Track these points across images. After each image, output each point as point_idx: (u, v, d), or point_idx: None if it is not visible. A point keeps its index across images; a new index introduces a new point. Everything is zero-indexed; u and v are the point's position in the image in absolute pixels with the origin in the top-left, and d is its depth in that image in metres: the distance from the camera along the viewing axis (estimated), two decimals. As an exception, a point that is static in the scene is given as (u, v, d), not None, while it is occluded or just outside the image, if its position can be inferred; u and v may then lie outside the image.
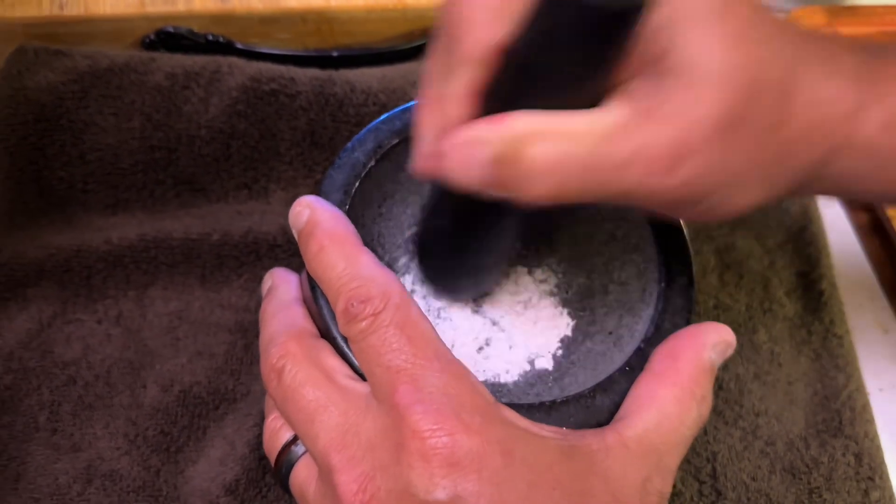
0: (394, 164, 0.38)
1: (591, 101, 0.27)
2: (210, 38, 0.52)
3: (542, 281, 0.40)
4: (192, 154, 0.48)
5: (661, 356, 0.31)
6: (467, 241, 0.34)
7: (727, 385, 0.45)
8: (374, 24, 0.55)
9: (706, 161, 0.26)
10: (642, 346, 0.33)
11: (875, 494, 0.42)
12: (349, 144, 0.37)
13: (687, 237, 0.36)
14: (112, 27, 0.52)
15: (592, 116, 0.26)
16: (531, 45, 0.26)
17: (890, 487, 0.43)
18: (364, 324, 0.29)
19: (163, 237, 0.46)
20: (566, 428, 0.31)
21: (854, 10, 0.60)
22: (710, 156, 0.26)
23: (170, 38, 0.52)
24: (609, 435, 0.29)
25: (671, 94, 0.25)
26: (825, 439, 0.44)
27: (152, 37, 0.52)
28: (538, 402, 0.31)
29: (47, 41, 0.49)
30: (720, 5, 0.26)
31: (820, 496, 0.42)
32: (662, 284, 0.35)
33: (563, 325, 0.39)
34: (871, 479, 0.43)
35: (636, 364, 0.32)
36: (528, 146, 0.26)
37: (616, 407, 0.31)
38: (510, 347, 0.38)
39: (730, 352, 0.32)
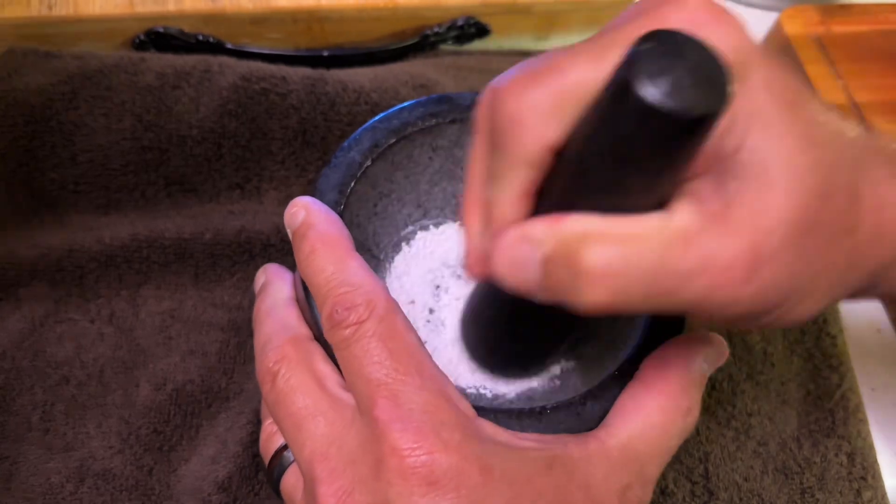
0: (390, 164, 0.38)
1: (655, 203, 0.25)
2: (200, 38, 0.52)
3: None
4: (183, 154, 0.48)
5: (650, 365, 0.31)
6: (515, 333, 0.33)
7: (720, 385, 0.45)
8: (365, 23, 0.55)
9: (781, 269, 0.24)
10: (635, 352, 0.33)
11: (867, 494, 0.42)
12: (345, 143, 0.36)
13: None
14: (101, 27, 0.52)
15: (656, 220, 0.24)
16: (590, 147, 0.24)
17: (882, 487, 0.43)
18: (347, 332, 0.29)
19: (155, 237, 0.46)
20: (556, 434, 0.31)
21: (848, 9, 0.59)
22: (785, 264, 0.24)
23: (160, 39, 0.52)
24: (591, 442, 0.29)
25: (742, 196, 0.24)
26: (818, 439, 0.44)
27: (142, 37, 0.52)
28: (528, 408, 0.31)
29: (36, 42, 0.49)
30: (786, 105, 0.24)
31: (812, 496, 0.42)
32: None
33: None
34: (863, 478, 0.43)
35: (627, 370, 0.32)
36: (585, 248, 0.24)
37: (605, 414, 0.31)
38: None
39: (721, 361, 0.31)
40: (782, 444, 0.43)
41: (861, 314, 0.50)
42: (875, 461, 0.44)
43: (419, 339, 0.30)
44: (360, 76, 0.50)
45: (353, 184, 0.36)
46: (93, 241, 0.45)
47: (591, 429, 0.31)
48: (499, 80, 0.26)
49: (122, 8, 0.51)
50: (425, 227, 0.41)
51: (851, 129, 0.27)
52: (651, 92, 0.20)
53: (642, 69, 0.20)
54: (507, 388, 0.37)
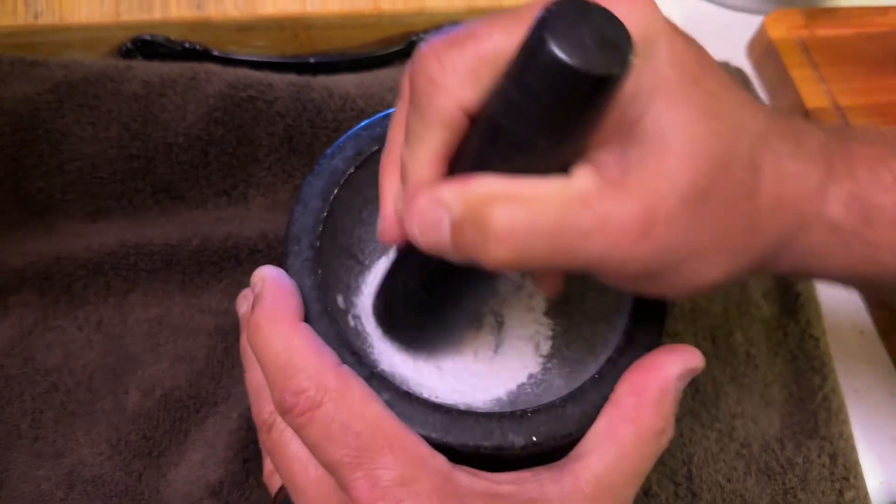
0: (374, 171, 0.37)
1: (560, 167, 0.26)
2: (187, 45, 0.52)
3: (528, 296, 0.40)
4: (170, 162, 0.48)
5: (624, 390, 0.31)
6: (434, 299, 0.34)
7: (703, 387, 0.46)
8: (350, 30, 0.55)
9: (673, 233, 0.26)
10: (614, 356, 0.33)
11: (849, 494, 0.43)
12: (328, 151, 0.37)
13: None
14: (87, 36, 0.52)
15: (559, 183, 0.26)
16: (503, 109, 0.25)
17: (864, 487, 0.43)
18: (301, 419, 0.28)
19: (143, 243, 0.46)
20: (535, 438, 0.31)
21: (832, 13, 0.60)
22: (677, 228, 0.26)
23: (146, 47, 0.52)
24: (566, 479, 0.29)
25: (639, 164, 0.25)
26: (801, 440, 0.44)
27: (129, 45, 0.52)
28: (510, 411, 0.32)
29: (22, 50, 0.49)
30: (690, 78, 0.26)
31: (795, 496, 0.43)
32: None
33: (544, 341, 0.39)
34: (845, 479, 0.43)
35: (607, 374, 0.32)
36: (491, 210, 0.25)
37: (585, 416, 0.31)
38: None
39: (697, 373, 0.31)
40: (765, 446, 0.44)
41: (843, 317, 0.50)
42: (857, 462, 0.44)
43: (381, 403, 0.29)
44: (346, 83, 0.50)
45: (336, 191, 0.36)
46: (81, 249, 0.46)
47: (570, 431, 0.31)
48: (421, 48, 0.27)
49: (108, 16, 0.51)
50: None
51: (754, 105, 0.28)
52: (559, 48, 0.22)
53: (556, 27, 0.22)
54: (487, 395, 0.38)
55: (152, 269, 0.46)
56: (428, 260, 0.29)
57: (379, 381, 0.31)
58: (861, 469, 0.44)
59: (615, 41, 0.22)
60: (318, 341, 0.30)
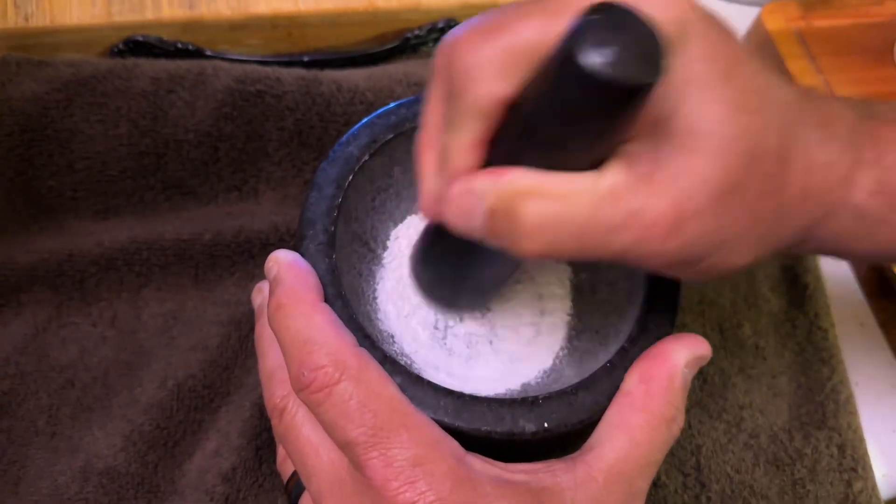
0: (388, 159, 0.38)
1: (592, 164, 0.27)
2: (179, 46, 0.52)
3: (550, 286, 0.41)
4: (180, 158, 0.48)
5: (634, 379, 0.32)
6: (468, 260, 0.34)
7: (711, 379, 0.46)
8: (344, 27, 0.55)
9: (702, 226, 0.26)
10: (626, 345, 0.33)
11: (858, 485, 0.43)
12: (343, 138, 0.37)
13: None
14: (79, 37, 0.51)
15: (590, 178, 0.26)
16: (537, 106, 0.26)
17: (872, 478, 0.44)
18: (319, 395, 0.29)
19: (154, 238, 0.46)
20: (546, 425, 0.31)
21: (828, 3, 0.59)
22: (707, 221, 0.26)
23: (138, 47, 0.51)
24: (579, 468, 0.30)
25: (670, 160, 0.26)
26: (809, 431, 0.45)
27: (121, 46, 0.51)
28: (521, 398, 0.32)
29: (13, 53, 0.49)
30: (721, 73, 0.26)
31: (804, 487, 0.43)
32: (649, 284, 0.35)
33: (562, 331, 0.40)
34: (853, 469, 0.44)
35: (619, 363, 0.33)
36: (523, 203, 0.26)
37: (596, 404, 0.32)
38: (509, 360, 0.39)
39: (704, 363, 0.32)
40: (773, 437, 0.44)
41: (844, 309, 0.50)
42: (865, 453, 0.44)
43: (396, 386, 0.30)
44: (355, 76, 0.51)
45: (350, 178, 0.36)
46: (92, 245, 0.46)
47: (581, 419, 0.32)
48: (456, 32, 0.28)
49: (99, 17, 0.51)
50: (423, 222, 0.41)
51: (787, 94, 0.28)
52: (593, 61, 0.22)
53: (587, 39, 0.22)
54: (500, 385, 0.38)
55: (165, 264, 0.47)
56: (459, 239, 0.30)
57: (391, 364, 0.31)
58: (869, 460, 0.44)
59: (648, 49, 0.23)
60: (338, 322, 0.31)
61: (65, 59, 0.48)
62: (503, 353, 0.39)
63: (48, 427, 0.43)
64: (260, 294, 0.38)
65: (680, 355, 0.31)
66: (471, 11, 0.56)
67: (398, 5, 0.54)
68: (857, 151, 0.29)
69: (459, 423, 0.31)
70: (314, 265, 0.33)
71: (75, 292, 0.46)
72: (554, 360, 0.39)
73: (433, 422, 0.30)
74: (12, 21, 0.50)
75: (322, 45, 0.56)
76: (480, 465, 0.30)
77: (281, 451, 0.36)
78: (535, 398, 0.32)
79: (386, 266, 0.40)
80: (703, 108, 0.26)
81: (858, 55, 0.57)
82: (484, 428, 0.31)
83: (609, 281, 0.38)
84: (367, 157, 0.37)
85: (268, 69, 0.49)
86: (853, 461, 0.44)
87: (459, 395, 0.31)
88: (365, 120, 0.38)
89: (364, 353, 0.30)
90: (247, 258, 0.47)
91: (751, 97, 0.27)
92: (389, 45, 0.56)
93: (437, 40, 0.57)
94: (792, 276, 0.50)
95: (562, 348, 0.39)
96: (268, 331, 0.34)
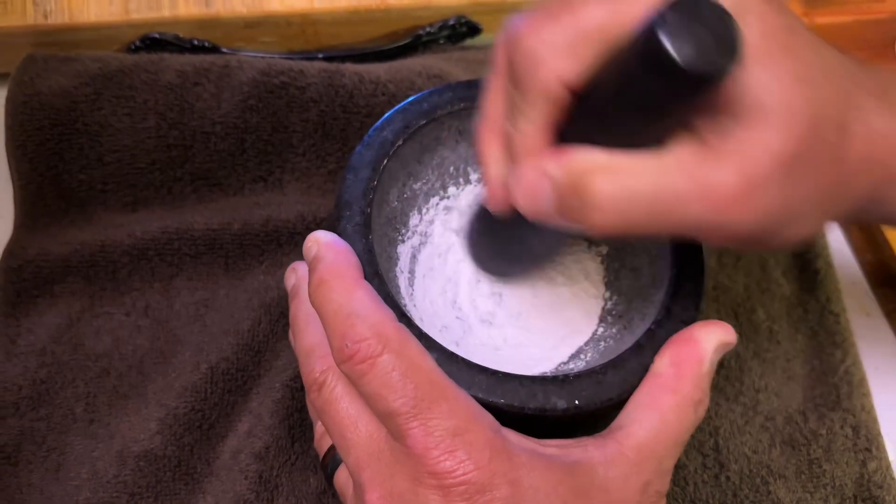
0: (419, 145, 0.39)
1: (658, 141, 0.28)
2: (195, 43, 0.53)
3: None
4: (207, 150, 0.49)
5: (665, 362, 0.32)
6: (521, 230, 0.35)
7: (728, 363, 0.47)
8: (358, 25, 0.56)
9: (769, 196, 0.27)
10: (653, 327, 0.34)
11: (872, 465, 0.45)
12: (378, 123, 0.38)
13: None
14: (97, 35, 0.52)
15: (658, 153, 0.27)
16: (608, 91, 0.27)
17: (886, 458, 0.45)
18: (362, 366, 0.29)
19: (185, 228, 0.47)
20: (577, 402, 0.32)
21: (830, 0, 0.61)
22: (773, 192, 0.27)
23: (155, 45, 0.52)
24: (610, 445, 0.31)
25: (735, 132, 0.27)
26: (823, 412, 0.46)
27: (137, 43, 0.52)
28: (552, 376, 0.33)
29: (32, 50, 0.50)
30: (781, 47, 0.27)
31: (819, 466, 0.44)
32: (674, 270, 0.36)
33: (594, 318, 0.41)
34: (868, 450, 0.45)
35: (646, 344, 0.34)
36: (593, 179, 0.27)
37: (625, 383, 0.33)
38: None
39: (730, 349, 0.33)
40: (789, 418, 0.46)
41: (850, 299, 0.51)
42: (879, 433, 0.46)
43: (433, 361, 0.31)
44: (377, 68, 0.51)
45: (385, 161, 0.37)
46: (124, 236, 0.47)
47: (611, 397, 0.33)
48: (516, 21, 0.29)
49: (117, 15, 0.52)
50: (448, 209, 0.42)
51: (843, 64, 0.30)
52: (673, 47, 0.23)
53: (666, 25, 0.23)
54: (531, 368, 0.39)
55: (195, 254, 0.48)
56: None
57: (427, 340, 0.32)
58: (883, 441, 0.46)
59: (726, 37, 0.24)
60: (379, 298, 0.32)
61: (90, 54, 0.49)
62: (533, 341, 0.40)
63: (86, 414, 0.44)
64: (294, 274, 0.38)
65: (708, 341, 0.32)
66: (481, 8, 0.57)
67: (410, 3, 0.55)
68: None
69: (493, 399, 0.32)
70: (351, 245, 0.34)
71: (108, 283, 0.47)
72: (582, 344, 0.40)
73: (470, 396, 0.31)
74: (31, 18, 0.51)
75: (335, 43, 0.57)
76: (516, 437, 0.31)
77: (319, 429, 0.37)
78: (566, 376, 0.33)
79: (415, 248, 0.41)
80: (765, 81, 0.27)
81: (861, 51, 0.58)
82: (517, 403, 0.32)
83: (633, 267, 0.39)
84: (400, 142, 0.37)
85: (291, 62, 0.50)
86: (868, 441, 0.45)
87: (493, 373, 0.32)
88: (398, 106, 0.38)
89: (403, 327, 0.31)
90: (275, 246, 0.48)
91: (810, 68, 0.28)
92: (401, 42, 0.57)
93: (448, 37, 0.58)
94: (803, 261, 0.51)
95: (594, 332, 0.40)
96: (304, 309, 0.35)
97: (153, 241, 0.47)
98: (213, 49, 0.54)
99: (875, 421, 0.46)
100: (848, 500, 0.44)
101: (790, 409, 0.46)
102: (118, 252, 0.47)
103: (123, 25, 0.52)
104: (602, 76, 0.27)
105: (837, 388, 0.47)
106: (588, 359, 0.38)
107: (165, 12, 0.52)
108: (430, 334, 0.37)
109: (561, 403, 0.32)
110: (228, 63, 0.50)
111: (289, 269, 0.39)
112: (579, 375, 0.33)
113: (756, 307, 0.49)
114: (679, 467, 0.44)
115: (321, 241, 0.33)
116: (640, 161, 0.27)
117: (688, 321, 0.34)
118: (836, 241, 0.54)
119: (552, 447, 0.31)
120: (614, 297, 0.40)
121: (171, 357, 0.45)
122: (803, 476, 0.44)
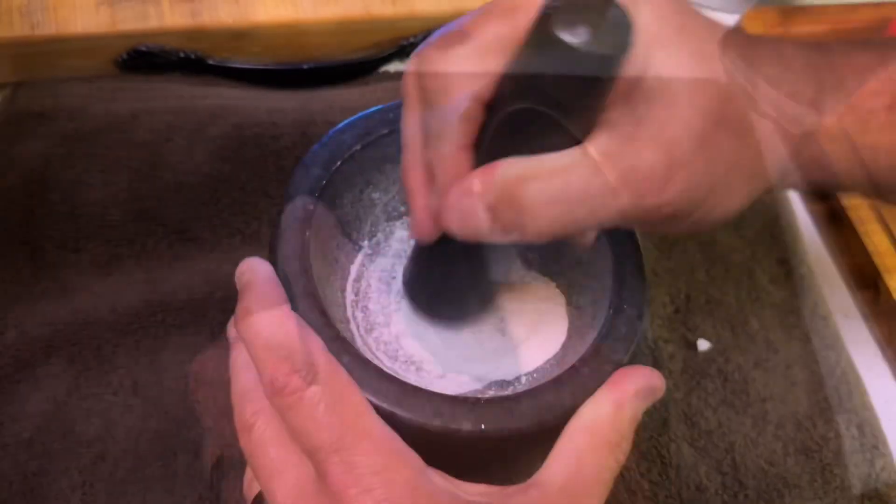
0: (381, 154, 0.38)
1: (577, 140, 0.28)
2: (182, 55, 0.52)
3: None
4: (180, 201, 0.48)
5: (584, 406, 0.32)
6: (467, 267, 0.35)
7: (731, 376, 0.48)
8: (343, 36, 0.56)
9: (692, 173, 0.28)
10: (577, 364, 0.33)
11: (879, 463, 0.46)
12: (339, 126, 0.37)
13: (644, 266, 0.36)
14: (84, 45, 0.52)
15: (579, 150, 0.28)
16: (517, 95, 0.27)
17: (891, 454, 0.47)
18: (290, 399, 0.29)
19: (168, 300, 0.46)
20: (483, 426, 0.31)
21: (806, 10, 0.62)
22: (696, 167, 0.28)
23: (142, 57, 0.52)
24: (532, 491, 0.30)
25: (650, 115, 0.27)
26: (829, 416, 0.47)
27: (125, 56, 0.52)
28: (463, 396, 0.32)
29: (20, 61, 0.50)
30: (677, 28, 0.28)
31: (832, 472, 0.45)
32: (611, 311, 0.35)
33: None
34: (875, 447, 0.46)
35: (567, 380, 0.33)
36: (523, 188, 0.27)
37: (537, 416, 0.31)
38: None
39: (658, 395, 0.33)
40: (798, 425, 0.47)
41: (829, 301, 0.53)
42: (881, 429, 0.47)
43: (362, 394, 0.30)
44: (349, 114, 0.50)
45: (339, 163, 0.36)
46: (106, 311, 0.45)
47: (520, 428, 0.31)
48: (421, 49, 0.29)
49: (104, 26, 0.51)
50: (406, 221, 0.41)
51: (738, 39, 0.31)
52: (568, 34, 0.24)
53: (558, 16, 0.25)
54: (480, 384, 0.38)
55: (181, 324, 0.46)
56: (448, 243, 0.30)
57: (341, 343, 0.31)
58: (886, 437, 0.47)
59: (616, 19, 0.25)
60: (307, 326, 0.31)
61: (67, 109, 0.48)
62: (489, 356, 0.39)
63: (84, 505, 0.41)
64: (251, 273, 0.36)
65: (629, 385, 0.32)
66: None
67: (394, 13, 0.56)
68: (819, 79, 0.31)
69: (397, 411, 0.30)
70: (288, 241, 0.33)
71: (93, 361, 0.44)
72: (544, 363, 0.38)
73: (397, 435, 0.30)
74: (19, 29, 0.51)
75: (321, 53, 0.57)
76: (440, 480, 0.30)
77: (248, 474, 0.35)
78: (478, 399, 0.32)
79: (367, 258, 0.40)
80: (668, 62, 0.28)
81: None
82: (420, 419, 0.30)
83: (577, 305, 0.38)
84: (358, 147, 0.36)
85: (263, 113, 0.50)
86: (874, 438, 0.46)
87: (402, 384, 0.31)
88: (364, 112, 0.37)
89: (331, 358, 0.30)
90: None
91: (707, 45, 0.29)
92: (386, 52, 0.57)
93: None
94: (788, 268, 0.52)
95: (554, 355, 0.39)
96: (243, 356, 0.33)
97: (136, 315, 0.45)
98: (200, 60, 0.53)
99: (876, 417, 0.48)
100: (855, 501, 0.45)
101: (798, 416, 0.47)
102: (102, 328, 0.44)
103: (111, 36, 0.52)
104: (507, 79, 0.27)
105: (838, 390, 0.48)
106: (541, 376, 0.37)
107: (152, 23, 0.52)
108: (375, 345, 0.36)
109: (466, 425, 0.30)
110: (201, 119, 0.49)
111: (230, 323, 0.36)
112: (491, 400, 0.32)
113: (749, 317, 0.50)
114: (701, 490, 0.44)
115: (254, 268, 0.32)
116: (565, 161, 0.27)
117: (616, 361, 0.33)
118: (814, 243, 0.55)
119: (475, 494, 0.30)
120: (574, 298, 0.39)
121: (166, 437, 0.43)
122: (816, 483, 0.45)
